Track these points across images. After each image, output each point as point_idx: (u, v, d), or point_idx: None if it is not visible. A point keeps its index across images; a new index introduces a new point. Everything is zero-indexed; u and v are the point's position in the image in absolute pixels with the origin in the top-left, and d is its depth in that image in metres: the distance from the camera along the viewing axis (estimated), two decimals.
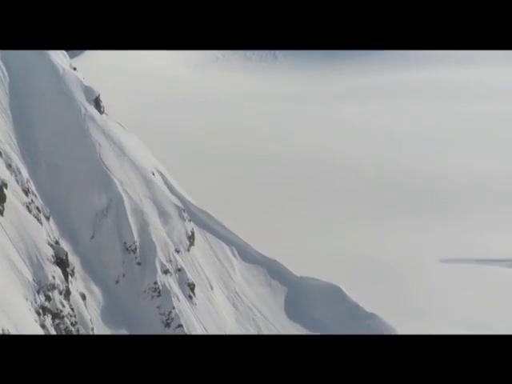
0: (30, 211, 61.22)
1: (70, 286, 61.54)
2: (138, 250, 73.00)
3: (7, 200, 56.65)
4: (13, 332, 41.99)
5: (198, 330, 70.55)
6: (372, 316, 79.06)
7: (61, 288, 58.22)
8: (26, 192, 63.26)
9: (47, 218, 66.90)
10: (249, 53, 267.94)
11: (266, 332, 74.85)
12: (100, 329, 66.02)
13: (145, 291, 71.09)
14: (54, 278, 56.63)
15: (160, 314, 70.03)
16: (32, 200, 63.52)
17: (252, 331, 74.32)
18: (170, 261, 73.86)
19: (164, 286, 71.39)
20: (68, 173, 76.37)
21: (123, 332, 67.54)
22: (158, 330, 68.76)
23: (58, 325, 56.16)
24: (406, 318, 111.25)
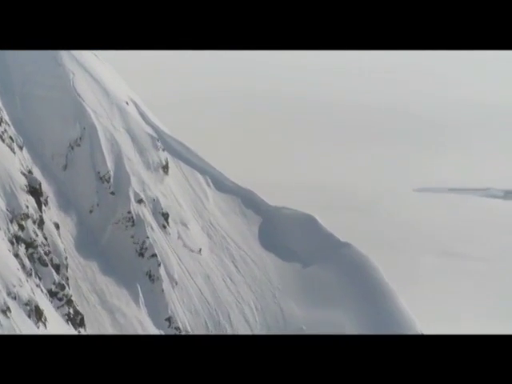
0: (3, 141, 60.55)
1: (44, 215, 61.41)
2: (111, 180, 72.73)
3: None
4: None
5: (171, 259, 71.11)
6: (346, 245, 79.75)
7: (34, 217, 58.11)
8: None
9: (20, 148, 66.16)
10: None
11: (239, 261, 75.62)
12: (74, 258, 66.34)
13: (118, 221, 71.16)
14: (27, 207, 56.46)
15: (134, 243, 70.30)
16: (5, 129, 62.71)
17: (226, 261, 75.02)
18: (144, 190, 73.75)
19: (138, 215, 71.47)
20: (41, 102, 75.38)
21: (96, 261, 67.95)
22: (131, 259, 69.20)
23: (31, 254, 56.20)
24: (379, 247, 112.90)
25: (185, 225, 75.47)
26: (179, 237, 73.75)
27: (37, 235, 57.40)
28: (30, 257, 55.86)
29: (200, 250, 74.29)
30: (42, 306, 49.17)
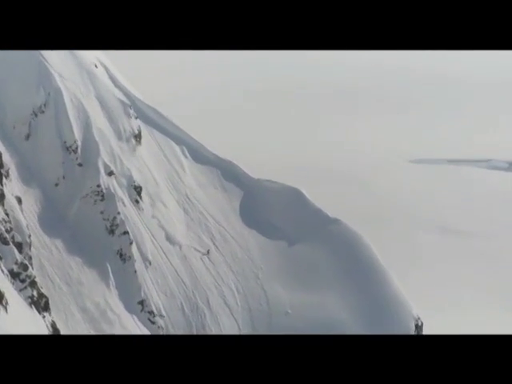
0: None
1: (5, 188, 60.69)
2: (79, 150, 72.07)
3: None
4: None
5: (144, 237, 70.84)
6: (335, 222, 79.60)
7: None
8: None
9: None
10: None
11: (218, 238, 75.52)
12: (38, 236, 65.82)
13: (87, 195, 70.63)
14: None
15: (104, 219, 69.89)
16: None
17: (204, 238, 74.84)
18: (115, 162, 73.23)
19: (108, 189, 70.98)
20: (1, 64, 74.51)
21: (62, 239, 67.55)
22: (101, 237, 68.83)
23: None
24: (372, 224, 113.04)
25: (159, 199, 75.20)
26: (153, 214, 73.54)
27: None
28: None
29: (208, 251, 74.37)
30: (2, 289, 48.78)
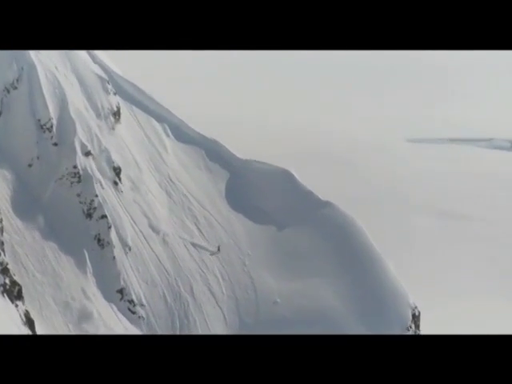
0: None
1: None
2: (54, 129, 71.56)
3: None
4: None
5: (124, 221, 70.63)
6: (327, 205, 79.36)
7: None
8: None
9: None
10: None
11: (202, 223, 75.40)
12: (10, 220, 65.50)
13: (62, 176, 70.24)
14: None
15: (80, 202, 69.58)
16: None
17: (187, 222, 74.65)
18: (92, 141, 72.84)
19: (85, 170, 70.61)
20: None
21: (36, 223, 67.27)
22: (77, 221, 68.55)
23: None
24: (366, 207, 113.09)
25: (140, 181, 74.98)
26: (133, 197, 73.31)
27: None
28: None
29: (218, 247, 74.38)
30: None
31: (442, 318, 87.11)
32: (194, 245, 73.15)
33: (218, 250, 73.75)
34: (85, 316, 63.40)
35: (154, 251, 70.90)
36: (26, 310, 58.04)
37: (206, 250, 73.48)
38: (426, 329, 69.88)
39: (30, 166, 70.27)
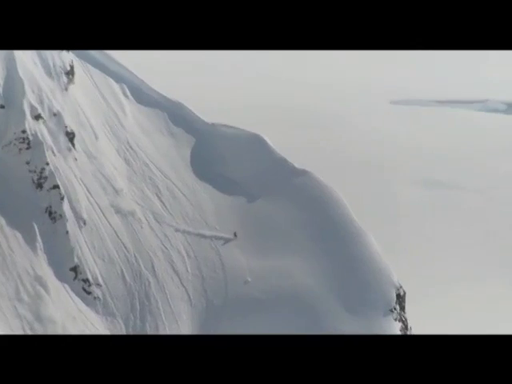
0: None
1: None
2: (0, 90, 70.79)
3: None
4: None
5: (78, 191, 70.08)
6: (303, 173, 79.34)
7: None
8: None
9: None
10: None
11: (165, 194, 75.10)
12: None
13: (10, 142, 69.48)
14: None
15: (30, 171, 68.86)
16: None
17: (148, 193, 74.26)
18: (43, 103, 72.15)
19: (35, 135, 69.85)
20: None
21: None
22: (26, 192, 67.83)
23: None
24: (346, 176, 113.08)
25: (96, 147, 74.55)
26: (89, 165, 72.88)
27: None
28: None
29: (235, 234, 74.17)
30: None
31: (428, 298, 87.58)
32: (204, 236, 73.11)
33: (235, 236, 73.58)
34: (34, 297, 63.06)
35: (111, 225, 70.52)
36: None
37: (221, 238, 73.36)
38: (411, 311, 70.20)
39: None
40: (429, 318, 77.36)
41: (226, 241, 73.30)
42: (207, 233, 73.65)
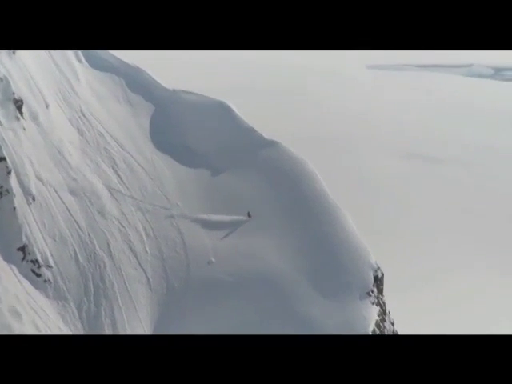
0: None
1: None
2: None
3: None
4: None
5: (27, 164, 69.38)
6: (273, 144, 79.25)
7: None
8: None
9: None
10: None
11: (122, 167, 74.60)
12: None
13: None
14: None
15: None
16: None
17: (104, 166, 73.68)
18: None
19: None
20: None
21: None
22: None
23: None
24: (320, 147, 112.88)
25: (46, 116, 74.00)
26: (38, 135, 72.39)
27: None
28: None
29: (248, 214, 73.41)
30: None
31: (409, 281, 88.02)
32: (165, 214, 72.85)
33: (249, 216, 73.22)
34: None
35: (63, 201, 69.98)
36: None
37: (184, 216, 73.08)
38: (390, 295, 70.36)
39: None
40: (409, 302, 77.65)
41: (191, 219, 73.11)
42: (169, 210, 73.38)
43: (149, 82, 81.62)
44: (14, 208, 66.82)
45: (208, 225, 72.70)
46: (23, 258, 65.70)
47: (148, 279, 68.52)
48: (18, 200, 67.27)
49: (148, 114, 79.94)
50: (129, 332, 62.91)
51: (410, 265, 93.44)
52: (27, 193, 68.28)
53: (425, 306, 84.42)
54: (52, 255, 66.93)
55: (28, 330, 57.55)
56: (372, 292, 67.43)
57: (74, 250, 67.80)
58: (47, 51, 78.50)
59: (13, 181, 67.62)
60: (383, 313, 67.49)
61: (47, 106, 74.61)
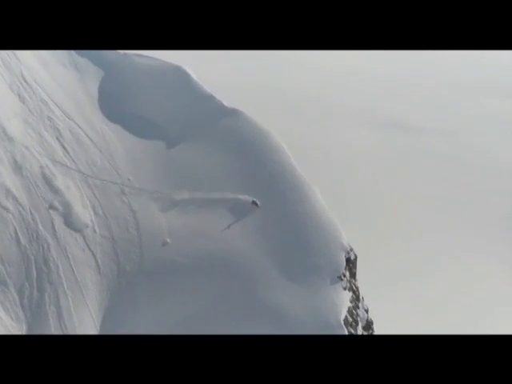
0: None
1: None
2: None
3: None
4: None
5: None
6: (234, 113, 78.95)
7: None
8: None
9: None
10: None
11: (67, 138, 73.92)
12: None
13: None
14: None
15: None
16: None
17: (47, 137, 72.79)
18: None
19: None
20: None
21: None
22: None
23: None
24: (286, 116, 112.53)
25: None
26: None
27: None
28: None
29: (253, 202, 72.21)
30: None
31: (383, 262, 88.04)
32: (115, 189, 72.32)
33: (256, 205, 72.28)
34: None
35: (2, 176, 69.23)
36: None
37: (138, 193, 72.65)
38: (363, 279, 70.20)
39: None
40: (384, 286, 77.67)
41: (148, 197, 72.64)
42: (119, 186, 72.75)
43: None
44: None
45: (163, 201, 72.11)
46: None
47: (97, 262, 67.83)
48: None
49: (97, 80, 79.42)
50: (75, 320, 62.32)
51: (385, 246, 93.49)
52: None
53: (401, 289, 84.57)
54: None
55: None
56: (344, 276, 67.12)
57: (15, 229, 66.94)
58: None
59: None
60: (356, 299, 67.35)
61: None
